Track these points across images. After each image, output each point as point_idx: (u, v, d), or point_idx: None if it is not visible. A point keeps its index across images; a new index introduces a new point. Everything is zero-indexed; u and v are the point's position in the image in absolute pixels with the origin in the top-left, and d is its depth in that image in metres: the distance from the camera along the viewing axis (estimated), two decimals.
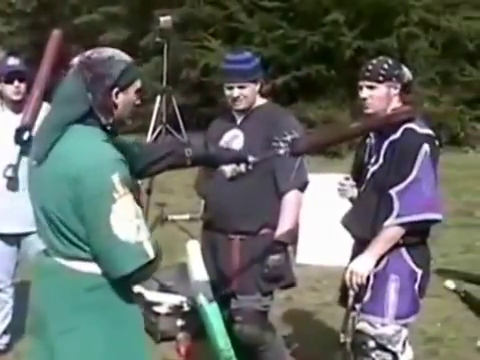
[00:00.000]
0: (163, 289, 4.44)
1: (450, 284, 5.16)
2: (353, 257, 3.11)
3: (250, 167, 2.84)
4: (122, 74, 2.25)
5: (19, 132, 3.60)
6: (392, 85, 3.03)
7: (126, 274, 2.19)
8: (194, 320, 3.63)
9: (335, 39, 10.07)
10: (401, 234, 2.95)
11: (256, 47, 9.80)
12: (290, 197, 3.34)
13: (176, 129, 9.37)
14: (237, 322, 3.34)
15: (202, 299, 3.21)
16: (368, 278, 3.00)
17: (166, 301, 4.32)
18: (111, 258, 2.18)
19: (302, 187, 3.39)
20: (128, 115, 2.35)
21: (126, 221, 2.17)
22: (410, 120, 2.98)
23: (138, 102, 2.36)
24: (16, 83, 3.88)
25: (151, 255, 2.20)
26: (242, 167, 3.03)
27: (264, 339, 3.40)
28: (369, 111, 3.07)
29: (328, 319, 4.59)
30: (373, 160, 3.09)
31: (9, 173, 3.75)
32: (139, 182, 2.74)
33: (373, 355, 3.04)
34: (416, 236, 3.01)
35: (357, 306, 3.06)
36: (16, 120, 3.70)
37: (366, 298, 3.04)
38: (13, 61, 3.96)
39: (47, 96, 3.70)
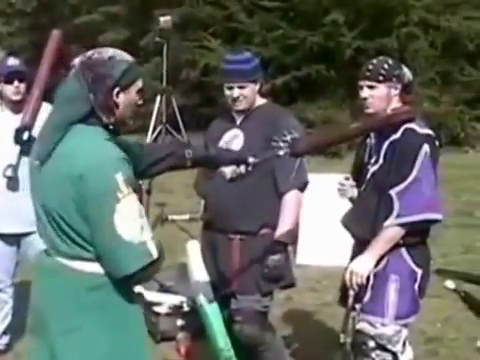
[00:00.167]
0: (163, 289, 4.44)
1: (450, 284, 5.16)
2: (353, 257, 3.11)
3: (250, 168, 2.84)
4: (123, 74, 2.26)
5: (19, 132, 3.59)
6: (392, 85, 3.03)
7: (129, 274, 2.19)
8: (194, 320, 3.63)
9: (335, 39, 10.08)
10: (401, 234, 2.95)
11: (256, 47, 9.80)
12: (290, 197, 3.34)
13: (176, 129, 9.38)
14: (237, 322, 3.34)
15: (202, 299, 3.21)
16: (368, 278, 3.00)
17: (166, 301, 4.31)
18: (115, 258, 2.18)
19: (302, 187, 3.39)
20: (130, 115, 2.35)
21: (130, 221, 2.17)
22: (410, 120, 2.98)
23: (140, 102, 2.36)
24: (16, 83, 3.87)
25: (154, 255, 2.20)
26: (242, 168, 3.04)
27: (264, 339, 3.40)
28: (369, 111, 3.06)
29: (328, 319, 4.59)
30: (373, 160, 3.09)
31: (9, 173, 3.76)
32: (140, 182, 2.74)
33: (373, 355, 3.03)
34: (416, 236, 3.01)
35: (357, 306, 3.06)
36: (16, 120, 3.70)
37: (366, 298, 3.04)
38: (13, 61, 3.96)
39: (47, 96, 3.71)
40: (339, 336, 3.10)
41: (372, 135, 3.14)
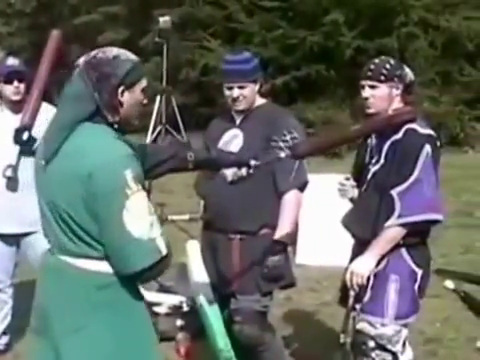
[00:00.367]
0: (163, 289, 4.44)
1: (449, 284, 5.16)
2: (353, 257, 3.11)
3: (251, 171, 2.84)
4: (128, 73, 2.26)
5: (18, 132, 3.60)
6: (394, 85, 3.03)
7: (139, 270, 2.19)
8: (194, 320, 3.63)
9: (335, 39, 10.08)
10: (402, 234, 2.94)
11: (255, 47, 9.81)
12: (290, 197, 3.34)
13: (175, 129, 9.39)
14: (237, 322, 3.34)
15: (202, 299, 3.21)
16: (368, 278, 3.00)
17: (165, 301, 4.31)
18: (124, 255, 2.18)
19: (302, 187, 3.39)
20: (136, 115, 2.35)
21: (139, 217, 2.17)
22: (412, 120, 2.98)
23: (145, 101, 2.37)
24: (15, 83, 3.87)
25: (164, 251, 2.20)
26: (243, 171, 3.03)
27: (263, 339, 3.40)
28: (371, 111, 3.06)
29: (328, 319, 4.59)
30: (374, 160, 3.09)
31: (8, 173, 3.76)
32: None
33: (373, 355, 3.03)
34: (416, 236, 3.01)
35: (357, 306, 3.06)
36: (15, 120, 3.70)
37: (366, 298, 3.03)
38: (12, 61, 3.95)
39: (46, 96, 3.71)
40: (339, 336, 3.10)
41: (373, 135, 3.14)
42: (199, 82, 10.93)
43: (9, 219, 3.90)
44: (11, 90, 3.88)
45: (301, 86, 10.38)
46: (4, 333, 4.16)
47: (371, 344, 3.02)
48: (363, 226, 3.06)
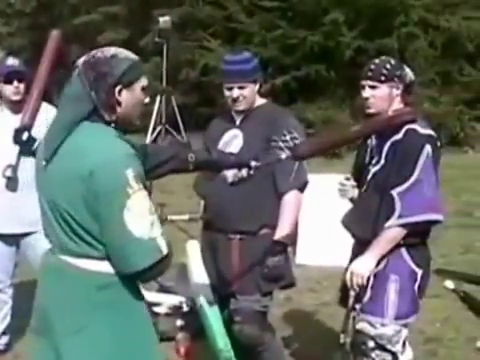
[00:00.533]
0: (162, 289, 4.44)
1: (449, 284, 5.16)
2: (353, 257, 3.11)
3: (252, 172, 2.84)
4: (125, 72, 2.25)
5: (18, 132, 3.59)
6: (394, 85, 3.03)
7: (139, 270, 2.18)
8: (193, 320, 3.63)
9: (335, 39, 10.08)
10: (402, 235, 2.94)
11: (255, 47, 9.81)
12: (290, 197, 3.34)
13: (175, 129, 9.39)
14: (236, 322, 3.34)
15: (202, 300, 3.21)
16: (368, 278, 3.00)
17: (165, 301, 4.31)
18: (124, 254, 2.18)
19: (302, 187, 3.38)
20: (137, 114, 2.35)
21: (140, 217, 2.17)
22: (412, 121, 2.98)
23: (147, 100, 2.36)
24: (15, 83, 3.87)
25: (164, 251, 2.20)
26: (244, 172, 3.03)
27: (263, 339, 3.39)
28: (371, 111, 3.06)
29: (328, 319, 4.59)
30: (374, 161, 3.09)
31: (8, 173, 3.75)
32: None
33: (373, 355, 3.03)
34: (416, 236, 3.01)
35: (357, 306, 3.06)
36: (15, 120, 3.69)
37: (366, 298, 3.03)
38: (12, 61, 3.95)
39: (46, 96, 3.71)
40: (339, 336, 3.10)
41: (373, 136, 3.14)
42: (199, 82, 10.94)
43: (9, 219, 3.90)
44: (11, 90, 3.88)
45: (301, 86, 10.38)
46: (4, 333, 4.17)
47: (371, 344, 3.02)
48: (363, 226, 3.06)
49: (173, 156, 2.62)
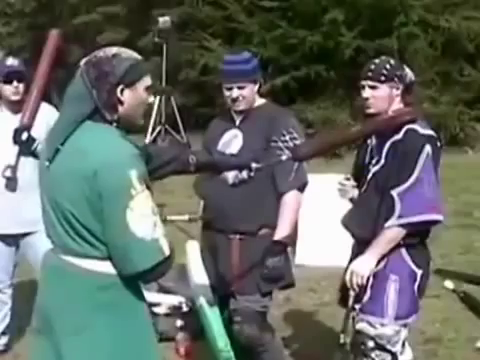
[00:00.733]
0: (162, 290, 4.44)
1: (449, 284, 5.15)
2: (352, 257, 3.11)
3: (252, 173, 2.84)
4: (127, 71, 2.25)
5: (18, 132, 3.59)
6: (394, 85, 3.03)
7: (141, 271, 2.18)
8: (193, 320, 3.63)
9: (334, 39, 10.06)
10: (402, 235, 2.94)
11: (255, 47, 9.79)
12: (289, 198, 3.34)
13: (175, 129, 9.39)
14: (236, 322, 3.34)
15: (201, 300, 3.20)
16: (368, 278, 3.00)
17: (165, 302, 4.31)
18: (126, 255, 2.18)
19: (301, 187, 3.38)
20: (140, 114, 2.35)
21: (143, 217, 2.17)
22: (412, 121, 2.98)
23: (151, 100, 2.36)
24: (15, 83, 3.87)
25: (167, 252, 2.20)
26: (244, 173, 3.03)
27: (263, 340, 3.39)
28: (371, 111, 3.06)
29: (327, 320, 4.59)
30: (374, 161, 3.09)
31: (8, 173, 3.75)
32: None
33: (372, 355, 3.03)
34: (416, 237, 3.01)
35: (357, 306, 3.05)
36: (15, 120, 3.69)
37: (366, 298, 3.03)
38: (12, 61, 3.95)
39: (46, 96, 3.71)
40: (339, 336, 3.10)
41: (373, 136, 3.14)
42: (199, 82, 10.92)
43: (8, 219, 3.90)
44: (10, 90, 3.88)
45: (301, 86, 10.36)
46: (4, 333, 4.16)
47: (370, 344, 3.02)
48: (363, 226, 3.06)
49: (174, 158, 2.62)
